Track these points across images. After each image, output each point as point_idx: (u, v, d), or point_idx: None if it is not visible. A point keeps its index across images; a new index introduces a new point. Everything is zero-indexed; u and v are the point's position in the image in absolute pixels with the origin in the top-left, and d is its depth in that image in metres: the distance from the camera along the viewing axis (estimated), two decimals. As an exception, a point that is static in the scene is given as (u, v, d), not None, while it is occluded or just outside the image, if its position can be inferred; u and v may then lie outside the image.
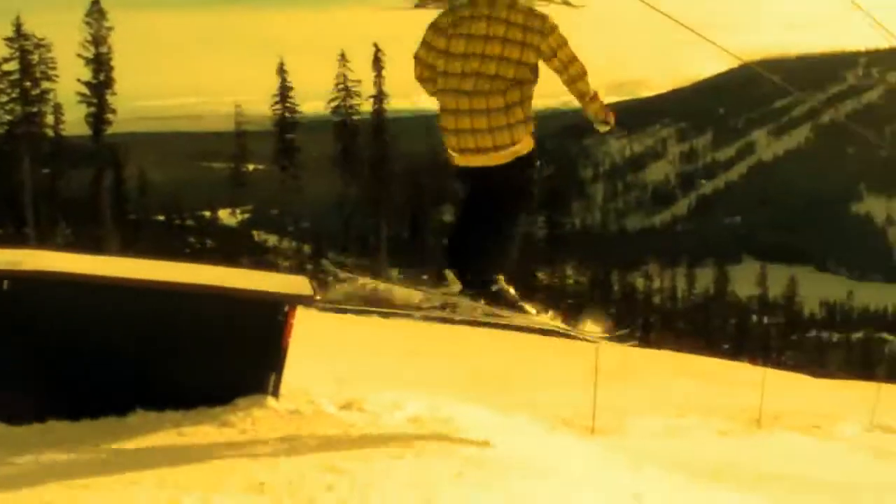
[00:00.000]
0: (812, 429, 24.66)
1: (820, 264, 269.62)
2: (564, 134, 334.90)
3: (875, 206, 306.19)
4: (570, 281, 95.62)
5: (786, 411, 25.49)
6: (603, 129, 6.45)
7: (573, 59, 6.06)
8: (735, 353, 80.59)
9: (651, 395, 27.24)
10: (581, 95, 6.19)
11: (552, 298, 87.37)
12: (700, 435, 20.20)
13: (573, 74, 6.10)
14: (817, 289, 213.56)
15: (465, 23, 6.01)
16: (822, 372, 75.96)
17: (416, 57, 6.37)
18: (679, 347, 61.07)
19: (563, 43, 6.04)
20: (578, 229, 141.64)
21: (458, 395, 10.67)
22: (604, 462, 8.29)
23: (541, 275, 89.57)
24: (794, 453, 19.79)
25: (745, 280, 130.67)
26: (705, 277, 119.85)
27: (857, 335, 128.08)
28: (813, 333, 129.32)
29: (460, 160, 6.27)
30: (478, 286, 6.40)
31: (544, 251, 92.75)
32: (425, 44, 6.29)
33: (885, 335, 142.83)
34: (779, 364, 79.79)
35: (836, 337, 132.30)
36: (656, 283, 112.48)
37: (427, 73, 6.37)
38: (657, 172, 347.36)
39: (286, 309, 6.77)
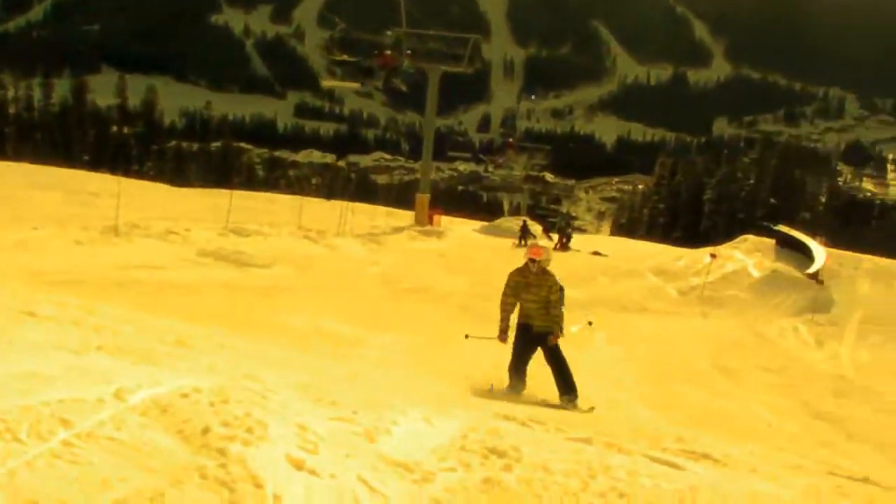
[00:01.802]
0: (169, 235, 27.70)
1: (179, 74, 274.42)
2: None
3: (233, 18, 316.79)
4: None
5: (144, 219, 27.21)
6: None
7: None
8: (95, 164, 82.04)
9: (7, 209, 27.53)
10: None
11: None
12: (56, 245, 21.20)
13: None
14: (177, 99, 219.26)
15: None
16: (182, 181, 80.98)
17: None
18: (37, 159, 61.27)
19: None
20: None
21: None
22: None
23: None
24: (150, 259, 21.98)
25: (104, 90, 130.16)
26: (63, 87, 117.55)
27: (216, 144, 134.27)
28: (173, 143, 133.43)
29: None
30: None
31: None
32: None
33: (243, 144, 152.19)
34: (139, 174, 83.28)
35: (195, 146, 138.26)
36: (11, 93, 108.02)
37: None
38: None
39: None
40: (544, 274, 12.10)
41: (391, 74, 47.35)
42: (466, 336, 13.69)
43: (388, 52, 46.93)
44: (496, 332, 12.57)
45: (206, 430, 5.05)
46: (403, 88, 49.41)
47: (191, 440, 4.93)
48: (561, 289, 12.16)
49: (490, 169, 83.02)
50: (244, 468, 4.69)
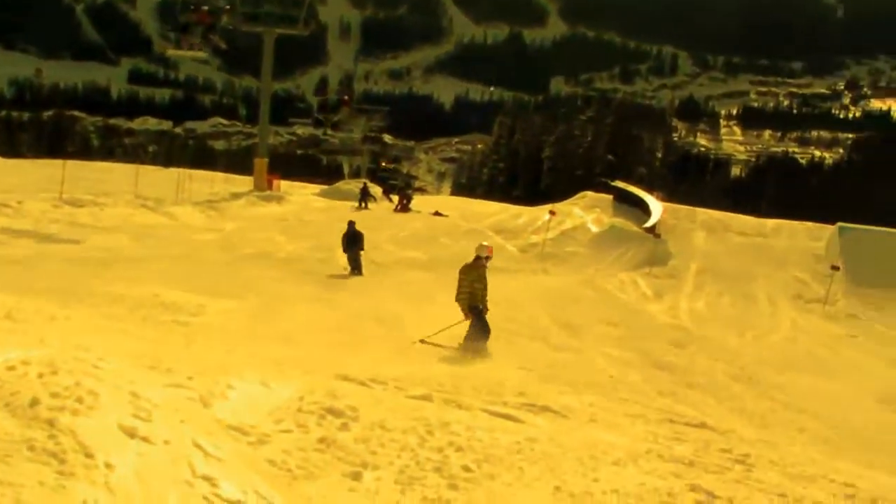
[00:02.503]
0: (1, 207, 26.75)
1: (6, 42, 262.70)
2: None
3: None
4: None
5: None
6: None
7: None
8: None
9: None
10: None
11: None
12: None
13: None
14: (5, 67, 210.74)
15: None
16: (13, 152, 78.18)
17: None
18: None
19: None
20: None
21: None
22: None
23: None
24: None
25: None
26: None
27: (48, 113, 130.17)
28: (3, 113, 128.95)
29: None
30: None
31: None
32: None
33: (76, 113, 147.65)
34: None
35: (26, 116, 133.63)
36: None
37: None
38: None
39: None
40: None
41: (209, 31, 46.40)
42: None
43: (205, 7, 46.01)
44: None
45: (34, 402, 4.92)
46: (223, 45, 48.55)
47: (19, 413, 4.80)
48: None
49: (329, 132, 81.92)
50: (74, 439, 4.60)
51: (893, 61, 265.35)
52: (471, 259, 15.78)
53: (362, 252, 24.49)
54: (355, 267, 24.07)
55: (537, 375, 12.87)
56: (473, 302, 15.29)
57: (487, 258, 15.76)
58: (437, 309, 18.56)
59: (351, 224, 25.01)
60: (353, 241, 24.45)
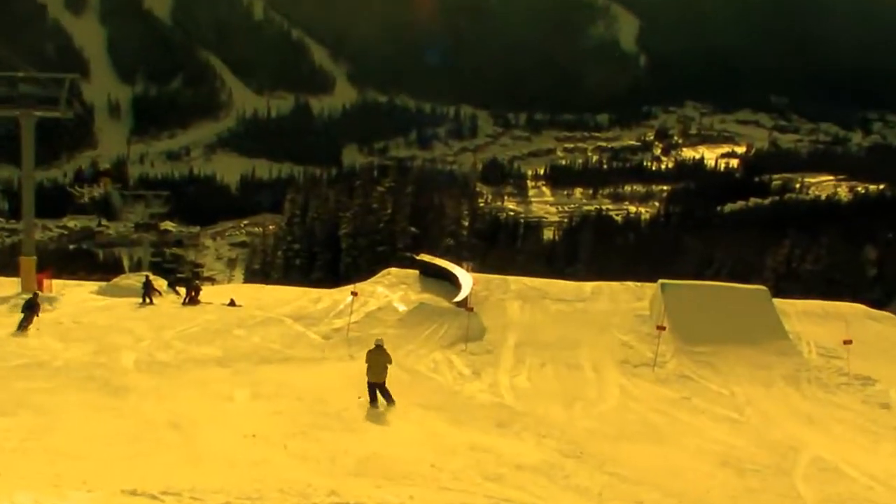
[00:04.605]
0: None
1: None
2: None
3: None
4: None
5: None
6: None
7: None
8: None
9: None
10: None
11: None
12: None
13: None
14: None
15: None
16: None
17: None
18: None
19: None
20: None
21: None
22: None
23: None
24: None
25: None
26: None
27: None
28: None
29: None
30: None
31: None
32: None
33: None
34: None
35: None
36: None
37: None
38: None
39: None
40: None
41: None
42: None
43: None
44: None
45: None
46: None
47: None
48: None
49: (104, 222, 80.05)
50: None
51: (702, 107, 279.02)
52: (372, 345, 21.38)
53: (36, 317, 30.98)
54: (24, 326, 30.02)
55: (350, 470, 12.73)
56: (383, 378, 20.50)
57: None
58: (236, 407, 18.22)
59: (35, 295, 33.09)
60: (30, 307, 30.95)
